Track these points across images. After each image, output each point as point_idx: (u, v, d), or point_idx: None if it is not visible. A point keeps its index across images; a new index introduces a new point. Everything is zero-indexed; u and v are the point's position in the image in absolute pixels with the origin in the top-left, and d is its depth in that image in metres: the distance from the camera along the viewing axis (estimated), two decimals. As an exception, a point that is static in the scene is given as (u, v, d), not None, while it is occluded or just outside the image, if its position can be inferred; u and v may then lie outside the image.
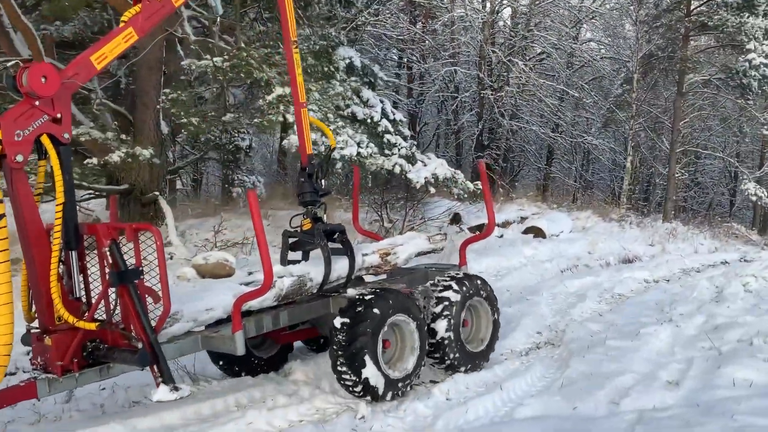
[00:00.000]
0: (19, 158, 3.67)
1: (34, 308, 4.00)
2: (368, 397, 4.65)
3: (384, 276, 5.85)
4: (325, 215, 5.40)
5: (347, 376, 4.60)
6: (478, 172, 22.59)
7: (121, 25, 4.14)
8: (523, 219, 14.26)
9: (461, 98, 22.68)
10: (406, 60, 23.62)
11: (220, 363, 5.37)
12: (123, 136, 9.20)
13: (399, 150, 10.53)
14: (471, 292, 5.44)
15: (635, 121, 21.65)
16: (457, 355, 5.23)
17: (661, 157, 26.14)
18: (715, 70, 20.90)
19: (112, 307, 3.97)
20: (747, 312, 6.93)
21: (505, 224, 13.40)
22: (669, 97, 24.38)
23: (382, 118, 10.54)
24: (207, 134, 12.09)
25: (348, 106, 10.37)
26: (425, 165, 10.94)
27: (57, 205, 3.86)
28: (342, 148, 9.55)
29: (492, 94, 20.55)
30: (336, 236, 5.28)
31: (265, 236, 4.12)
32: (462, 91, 22.90)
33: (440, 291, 5.32)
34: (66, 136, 3.86)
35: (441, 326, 5.18)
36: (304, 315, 5.12)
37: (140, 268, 3.94)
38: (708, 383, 4.72)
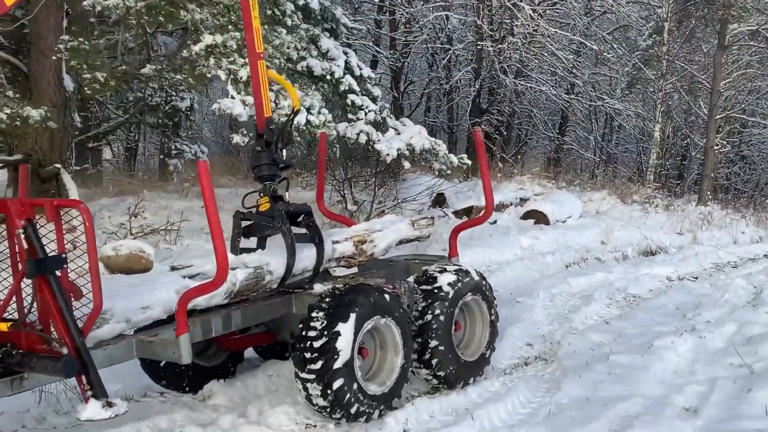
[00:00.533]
0: None
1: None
2: (339, 417, 4.64)
3: (355, 269, 5.80)
4: (287, 193, 5.42)
5: (315, 391, 4.56)
6: (474, 142, 22.68)
7: None
8: (523, 201, 14.22)
9: (455, 51, 22.47)
10: (387, 3, 23.26)
11: (153, 373, 5.30)
12: (11, 93, 8.87)
13: (366, 114, 10.31)
14: (465, 288, 5.49)
15: (666, 80, 21.58)
16: (450, 366, 5.29)
17: (698, 125, 26.15)
18: (765, 18, 20.77)
19: (27, 303, 3.94)
20: (791, 320, 6.87)
21: (500, 207, 13.24)
22: (708, 51, 24.29)
23: (345, 73, 10.29)
24: (119, 92, 11.75)
25: (303, 58, 10.12)
26: (399, 133, 10.71)
27: None
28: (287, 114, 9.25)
29: (492, 47, 20.32)
30: (301, 219, 5.31)
31: (218, 218, 4.08)
32: (456, 42, 22.68)
33: (429, 287, 5.36)
34: None
35: (429, 331, 5.21)
36: (261, 315, 5.11)
37: (63, 256, 3.91)
38: (734, 411, 4.60)
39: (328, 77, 10.16)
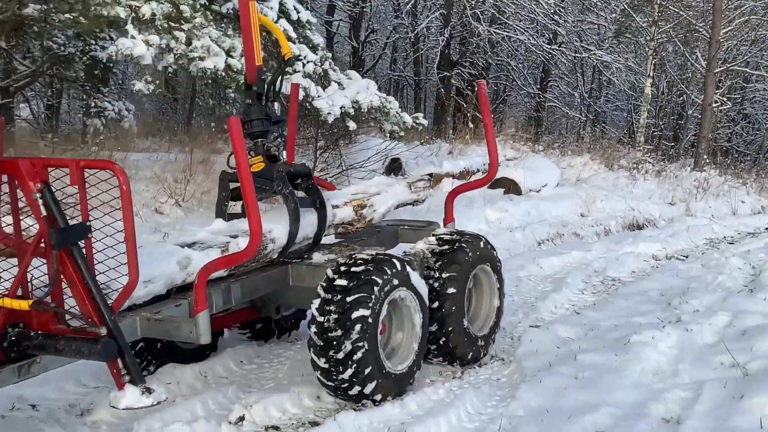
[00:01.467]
0: None
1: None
2: (355, 395, 4.80)
3: (341, 239, 6.12)
4: (284, 152, 5.74)
5: (332, 367, 4.69)
6: (444, 100, 22.25)
7: None
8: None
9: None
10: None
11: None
12: None
13: (304, 66, 9.87)
14: (475, 256, 5.68)
15: (659, 28, 21.32)
16: (462, 339, 5.52)
17: (695, 79, 25.99)
18: (771, -43, 20.61)
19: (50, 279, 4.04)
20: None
21: (465, 174, 13.03)
22: (707, -5, 24.05)
23: (279, 17, 9.87)
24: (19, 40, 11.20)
25: None
26: (343, 88, 10.34)
27: None
28: (202, 58, 8.89)
29: None
30: (299, 181, 5.55)
31: (251, 180, 4.34)
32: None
33: (440, 254, 5.55)
34: None
35: (442, 302, 5.40)
36: (261, 288, 5.33)
37: (88, 224, 4.04)
38: (724, 423, 4.37)
39: None
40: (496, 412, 4.85)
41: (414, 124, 11.05)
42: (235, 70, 9.01)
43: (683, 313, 6.61)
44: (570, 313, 6.98)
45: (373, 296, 4.76)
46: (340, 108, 9.91)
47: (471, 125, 18.59)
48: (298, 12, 10.36)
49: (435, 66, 22.34)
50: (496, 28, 21.47)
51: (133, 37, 8.44)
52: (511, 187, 12.90)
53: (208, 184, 10.49)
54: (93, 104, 18.10)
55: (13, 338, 4.05)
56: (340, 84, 10.44)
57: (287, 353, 5.99)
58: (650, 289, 7.67)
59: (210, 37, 8.95)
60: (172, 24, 8.72)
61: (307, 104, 9.74)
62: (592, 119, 29.61)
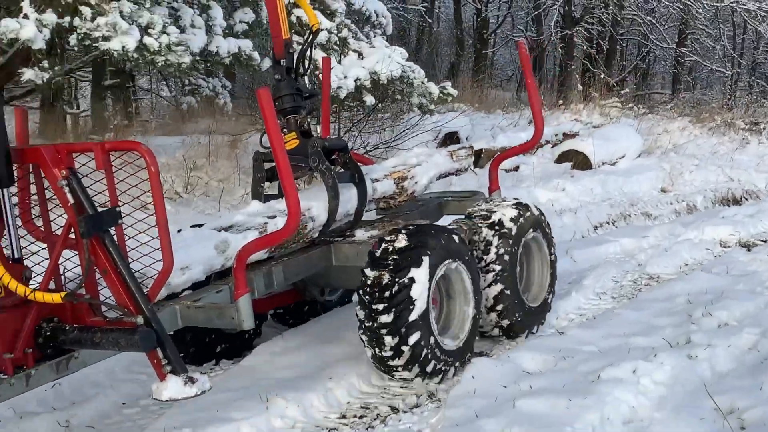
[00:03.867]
0: None
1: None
2: (413, 376, 4.76)
3: (383, 215, 6.09)
4: (318, 128, 5.70)
5: (387, 348, 4.63)
6: (565, 64, 21.12)
7: None
8: (567, 137, 13.34)
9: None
10: None
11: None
12: None
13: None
14: (527, 224, 5.65)
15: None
16: (515, 313, 5.46)
17: None
18: None
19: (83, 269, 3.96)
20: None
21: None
22: None
23: None
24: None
25: None
26: (362, 58, 9.52)
27: None
28: (107, 38, 7.70)
29: None
30: (336, 156, 5.50)
31: (286, 155, 4.23)
32: None
33: (489, 224, 5.49)
34: None
35: (493, 275, 5.36)
36: (304, 269, 5.26)
37: (118, 209, 3.97)
38: None
39: None
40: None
41: (441, 95, 10.23)
42: (151, 50, 7.85)
43: (701, 329, 5.45)
44: (553, 334, 5.78)
45: (421, 271, 4.64)
46: (355, 81, 9.12)
47: (591, 92, 17.30)
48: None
49: (553, 23, 21.31)
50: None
51: (26, 16, 7.51)
52: (580, 161, 11.97)
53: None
54: (187, 81, 17.55)
55: (47, 333, 3.97)
56: (360, 54, 9.59)
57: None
58: (679, 294, 6.39)
59: (121, 12, 7.70)
60: None
61: (315, 78, 8.87)
62: (750, 71, 27.27)
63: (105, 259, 3.90)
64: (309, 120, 5.62)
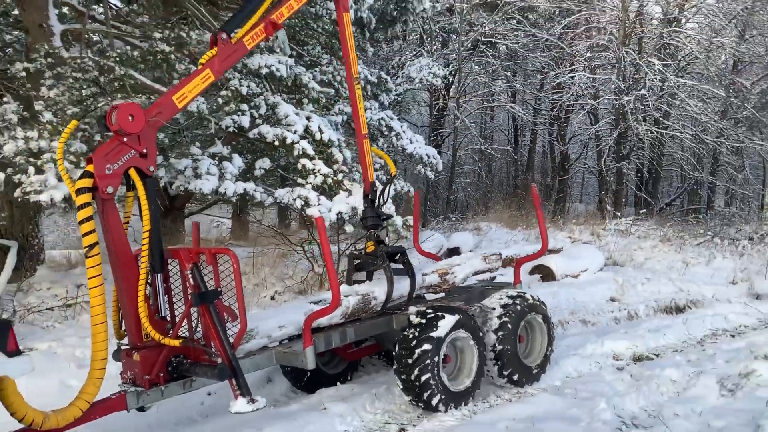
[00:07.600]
0: (110, 190, 5.21)
1: (123, 326, 5.61)
2: (423, 407, 6.59)
3: (442, 294, 7.98)
4: (387, 238, 7.59)
5: (407, 383, 6.54)
6: (611, 186, 24.71)
7: (200, 67, 6.03)
8: (551, 252, 13.98)
9: (596, 105, 24.92)
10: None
11: (292, 376, 7.53)
12: None
13: (315, 178, 10.16)
14: (527, 308, 7.52)
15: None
16: (516, 365, 7.27)
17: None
18: None
19: (194, 325, 5.64)
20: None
21: (512, 261, 12.60)
22: None
23: (301, 138, 10.42)
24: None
25: (256, 125, 10.46)
26: (350, 195, 10.20)
27: (144, 232, 5.35)
28: (38, 192, 8.50)
29: (622, 100, 22.28)
30: (398, 257, 7.47)
31: (332, 261, 6.17)
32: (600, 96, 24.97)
33: (499, 306, 7.36)
34: (151, 169, 5.46)
35: (494, 338, 7.16)
36: (368, 331, 7.26)
37: (219, 289, 5.56)
38: None
39: (277, 143, 10.28)
40: None
41: (405, 227, 10.60)
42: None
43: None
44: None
45: (434, 335, 6.50)
46: (337, 214, 9.88)
47: (616, 215, 20.13)
48: (321, 132, 10.61)
49: (606, 156, 24.11)
50: (657, 128, 23.40)
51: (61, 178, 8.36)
52: (546, 274, 13.10)
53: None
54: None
55: (174, 364, 5.58)
56: (349, 192, 10.21)
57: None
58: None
59: (57, 171, 8.53)
60: (31, 159, 8.66)
61: (303, 212, 10.08)
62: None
63: (209, 319, 5.46)
64: (382, 231, 7.49)
